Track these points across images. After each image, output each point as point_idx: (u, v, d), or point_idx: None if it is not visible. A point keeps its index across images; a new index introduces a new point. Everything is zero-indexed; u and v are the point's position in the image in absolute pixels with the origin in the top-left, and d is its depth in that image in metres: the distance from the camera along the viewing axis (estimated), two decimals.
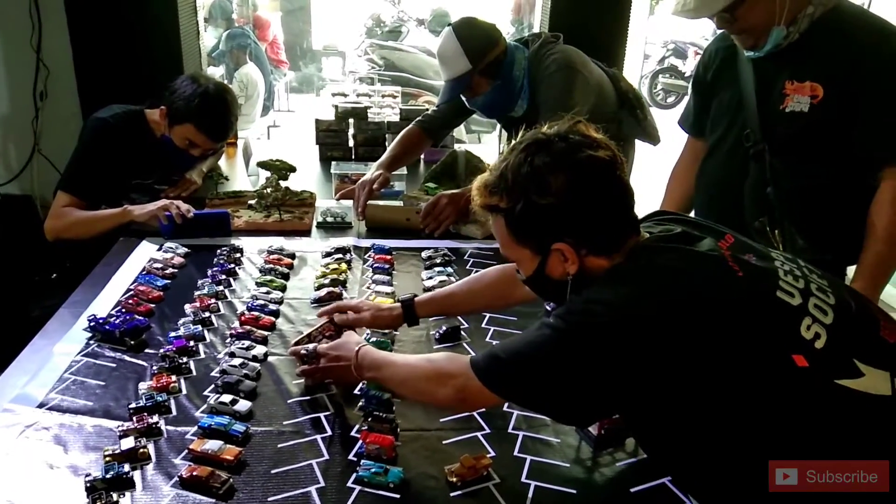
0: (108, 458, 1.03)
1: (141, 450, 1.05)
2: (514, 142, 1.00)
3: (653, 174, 2.28)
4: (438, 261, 1.75)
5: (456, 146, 2.65)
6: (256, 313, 1.47)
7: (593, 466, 1.09)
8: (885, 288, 1.43)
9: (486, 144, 4.10)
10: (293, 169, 2.07)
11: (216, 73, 4.69)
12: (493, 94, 1.97)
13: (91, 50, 2.55)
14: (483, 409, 1.19)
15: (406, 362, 1.13)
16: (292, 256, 1.78)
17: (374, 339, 1.36)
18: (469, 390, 0.99)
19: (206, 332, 1.41)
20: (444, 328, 1.43)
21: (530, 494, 1.02)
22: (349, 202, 2.07)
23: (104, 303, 1.51)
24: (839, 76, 1.37)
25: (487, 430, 1.15)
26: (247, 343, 1.35)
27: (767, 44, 1.41)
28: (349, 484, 1.02)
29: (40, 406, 1.16)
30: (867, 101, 1.36)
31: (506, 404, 1.20)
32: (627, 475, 1.07)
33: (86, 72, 2.58)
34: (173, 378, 1.24)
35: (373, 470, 1.03)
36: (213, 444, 1.06)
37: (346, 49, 7.32)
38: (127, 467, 1.01)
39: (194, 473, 1.00)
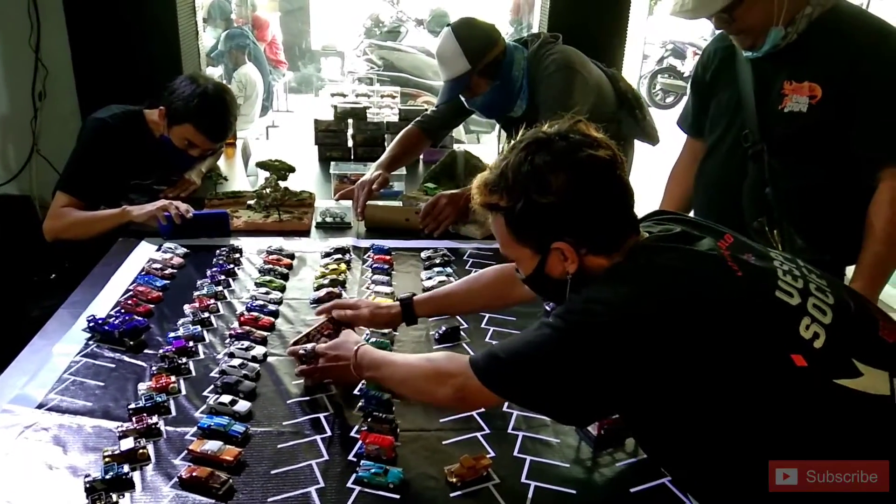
0: (107, 459, 1.03)
1: (140, 450, 1.05)
2: (514, 141, 1.00)
3: (652, 174, 2.28)
4: (438, 261, 1.75)
5: (455, 146, 2.65)
6: (256, 314, 1.47)
7: (593, 467, 1.09)
8: (884, 288, 1.43)
9: (485, 145, 4.11)
10: (292, 169, 2.07)
11: (215, 73, 4.69)
12: (493, 95, 1.97)
13: (90, 50, 2.55)
14: (483, 410, 1.19)
15: (405, 361, 1.13)
16: (291, 257, 1.78)
17: (373, 339, 1.36)
18: (468, 390, 0.99)
19: (205, 332, 1.41)
20: (443, 328, 1.43)
21: (530, 495, 1.02)
22: (348, 202, 2.07)
23: (103, 303, 1.50)
24: (837, 76, 1.37)
25: (487, 431, 1.15)
26: (246, 343, 1.35)
27: (766, 44, 1.42)
28: (349, 484, 1.02)
29: (39, 407, 1.16)
30: (865, 102, 1.36)
31: (505, 404, 1.20)
32: (627, 475, 1.07)
33: (84, 72, 2.58)
34: (173, 379, 1.24)
35: (372, 470, 1.03)
36: (212, 445, 1.06)
37: (344, 49, 7.33)
38: (126, 468, 1.01)
39: (194, 474, 1.00)
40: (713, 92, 1.66)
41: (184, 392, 1.22)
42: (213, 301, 1.52)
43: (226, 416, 1.14)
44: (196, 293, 1.55)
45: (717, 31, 1.56)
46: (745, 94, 1.53)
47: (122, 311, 1.45)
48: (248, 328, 1.41)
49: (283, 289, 1.62)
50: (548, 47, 1.99)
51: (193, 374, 1.28)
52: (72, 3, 2.50)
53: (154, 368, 1.27)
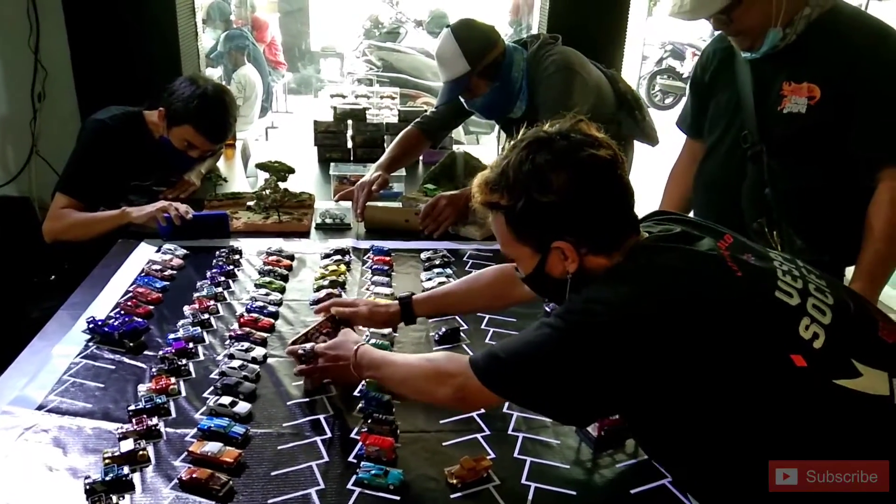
0: (107, 461, 1.03)
1: (140, 452, 1.05)
2: (514, 140, 1.00)
3: (651, 175, 2.28)
4: (437, 262, 1.75)
5: (454, 147, 2.66)
6: (255, 315, 1.47)
7: (593, 468, 1.09)
8: (883, 288, 1.43)
9: (485, 146, 4.11)
10: (292, 170, 2.07)
11: (214, 74, 4.70)
12: (492, 96, 1.97)
13: (89, 51, 2.55)
14: (483, 411, 1.19)
15: (405, 361, 1.13)
16: (291, 258, 1.78)
17: (373, 341, 1.36)
18: (468, 390, 0.99)
19: (205, 334, 1.41)
20: (443, 330, 1.43)
21: (530, 496, 1.02)
22: (348, 203, 2.07)
23: (103, 304, 1.50)
24: (836, 78, 1.37)
25: (487, 432, 1.15)
26: (246, 345, 1.35)
27: (764, 45, 1.42)
28: (349, 486, 1.02)
29: (39, 408, 1.16)
30: (864, 103, 1.36)
31: (505, 405, 1.20)
32: (627, 476, 1.07)
33: (84, 73, 2.58)
34: (172, 380, 1.24)
35: (373, 472, 1.03)
36: (212, 447, 1.06)
37: (344, 50, 7.33)
38: (126, 469, 1.01)
39: (194, 476, 1.00)
40: (712, 93, 1.66)
41: (184, 393, 1.22)
42: (212, 302, 1.52)
43: (226, 418, 1.14)
44: (196, 294, 1.55)
45: (716, 32, 1.57)
46: (744, 95, 1.53)
47: (122, 312, 1.45)
48: (247, 329, 1.41)
49: (282, 290, 1.62)
50: (547, 48, 1.99)
51: (193, 375, 1.28)
52: (71, 5, 2.50)
53: (154, 370, 1.27)
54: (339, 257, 1.77)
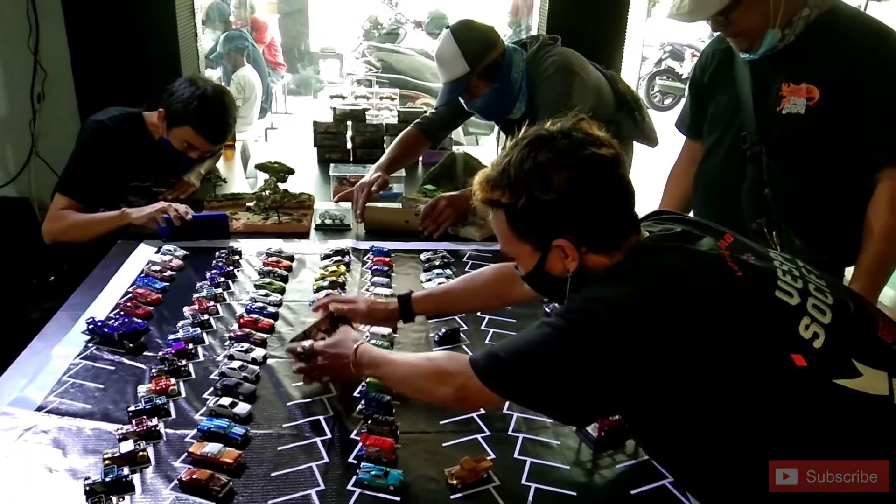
0: (107, 462, 1.03)
1: (140, 453, 1.05)
2: (516, 138, 1.00)
3: (651, 176, 2.28)
4: (437, 263, 1.76)
5: (454, 148, 2.66)
6: (255, 315, 1.47)
7: (593, 468, 1.09)
8: (883, 288, 1.44)
9: (485, 146, 4.11)
10: (291, 171, 2.07)
11: (214, 75, 4.70)
12: (492, 97, 1.97)
13: (88, 52, 2.55)
14: (483, 412, 1.19)
15: (405, 360, 1.13)
16: (291, 259, 1.78)
17: (373, 341, 1.36)
18: (469, 389, 0.99)
19: (204, 334, 1.41)
20: (443, 330, 1.43)
21: (530, 497, 1.02)
22: (348, 204, 2.07)
23: (102, 305, 1.50)
24: (835, 78, 1.38)
25: (487, 433, 1.15)
26: (246, 346, 1.35)
27: (762, 46, 1.42)
28: (349, 487, 1.02)
29: (39, 409, 1.16)
30: (863, 104, 1.36)
31: (506, 406, 1.20)
32: (627, 477, 1.07)
33: (83, 74, 2.58)
34: (172, 381, 1.24)
35: (373, 472, 1.03)
36: (212, 447, 1.06)
37: (343, 51, 7.33)
38: (126, 470, 1.01)
39: (194, 476, 1.00)
40: (711, 94, 1.66)
41: (183, 394, 1.22)
42: (212, 303, 1.52)
43: (226, 419, 1.14)
44: (195, 295, 1.55)
45: (715, 34, 1.57)
46: (743, 95, 1.53)
47: (122, 313, 1.44)
48: (247, 330, 1.41)
49: (282, 291, 1.62)
50: (547, 49, 1.99)
51: (193, 376, 1.28)
52: (71, 6, 2.51)
53: (154, 371, 1.27)
54: (338, 258, 1.77)
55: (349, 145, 2.67)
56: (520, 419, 1.18)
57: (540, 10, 2.87)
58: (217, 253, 1.77)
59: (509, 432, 1.15)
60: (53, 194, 1.93)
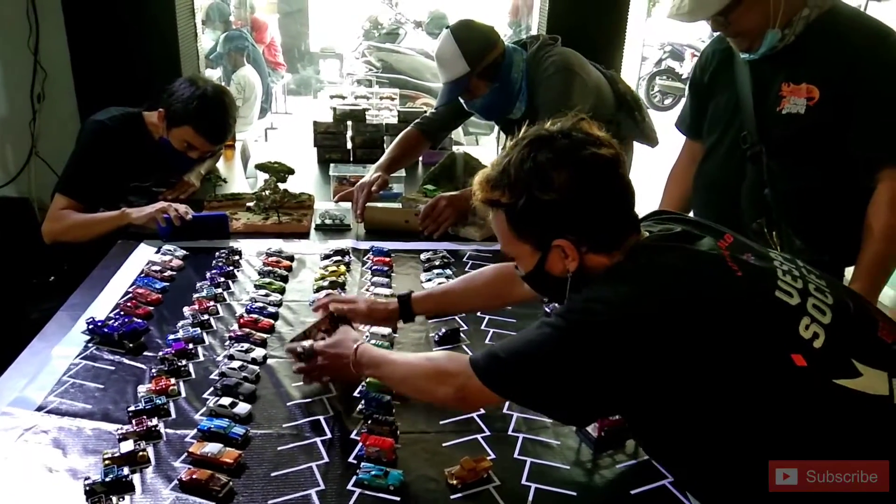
0: (107, 462, 1.03)
1: (140, 453, 1.05)
2: (516, 138, 1.00)
3: (651, 176, 2.28)
4: (437, 263, 1.76)
5: (454, 148, 2.66)
6: (255, 316, 1.47)
7: (593, 468, 1.09)
8: (882, 289, 1.44)
9: (484, 146, 4.11)
10: (291, 171, 2.07)
11: (214, 75, 4.70)
12: (492, 97, 1.97)
13: (88, 52, 2.55)
14: (483, 412, 1.19)
15: (405, 360, 1.12)
16: (291, 259, 1.78)
17: (373, 341, 1.36)
18: (469, 389, 0.99)
19: (204, 334, 1.41)
20: (443, 331, 1.43)
21: (530, 497, 1.02)
22: (348, 204, 2.07)
23: (102, 305, 1.50)
24: (835, 78, 1.38)
25: (487, 433, 1.15)
26: (246, 346, 1.35)
27: (762, 47, 1.42)
28: (349, 487, 1.02)
29: (39, 409, 1.16)
30: (863, 104, 1.36)
31: (505, 406, 1.20)
32: (627, 477, 1.07)
33: (83, 74, 2.58)
34: (172, 381, 1.24)
35: (373, 472, 1.03)
36: (212, 447, 1.06)
37: (343, 51, 7.33)
38: (126, 470, 1.01)
39: (194, 476, 1.00)
40: (711, 94, 1.66)
41: (183, 394, 1.22)
42: (212, 303, 1.52)
43: (226, 419, 1.14)
44: (195, 295, 1.55)
45: (715, 34, 1.57)
46: (743, 95, 1.53)
47: (122, 313, 1.44)
48: (247, 330, 1.41)
49: (282, 291, 1.62)
50: (547, 49, 1.99)
51: (193, 376, 1.28)
52: (71, 6, 2.50)
53: (154, 371, 1.27)
54: (338, 258, 1.77)
55: (349, 145, 2.67)
56: (520, 419, 1.18)
57: (540, 10, 2.87)
58: (217, 253, 1.77)
59: (509, 432, 1.15)
60: (53, 194, 1.93)
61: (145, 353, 1.34)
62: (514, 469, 1.07)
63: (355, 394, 1.23)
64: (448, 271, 1.70)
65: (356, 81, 5.03)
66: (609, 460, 1.11)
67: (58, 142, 2.61)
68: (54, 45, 2.63)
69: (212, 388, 1.23)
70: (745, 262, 0.94)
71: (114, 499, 0.97)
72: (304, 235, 1.95)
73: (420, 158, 2.56)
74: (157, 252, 1.76)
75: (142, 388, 1.22)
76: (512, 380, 0.95)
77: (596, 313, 0.89)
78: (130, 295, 1.54)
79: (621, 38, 2.75)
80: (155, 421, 1.12)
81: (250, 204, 2.06)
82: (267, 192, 2.04)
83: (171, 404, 1.19)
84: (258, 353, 1.33)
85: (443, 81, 1.98)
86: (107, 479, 0.99)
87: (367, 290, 1.63)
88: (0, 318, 1.96)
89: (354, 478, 1.03)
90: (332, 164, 2.43)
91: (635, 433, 1.07)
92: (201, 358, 1.34)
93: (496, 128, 2.36)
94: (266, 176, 2.07)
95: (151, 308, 1.50)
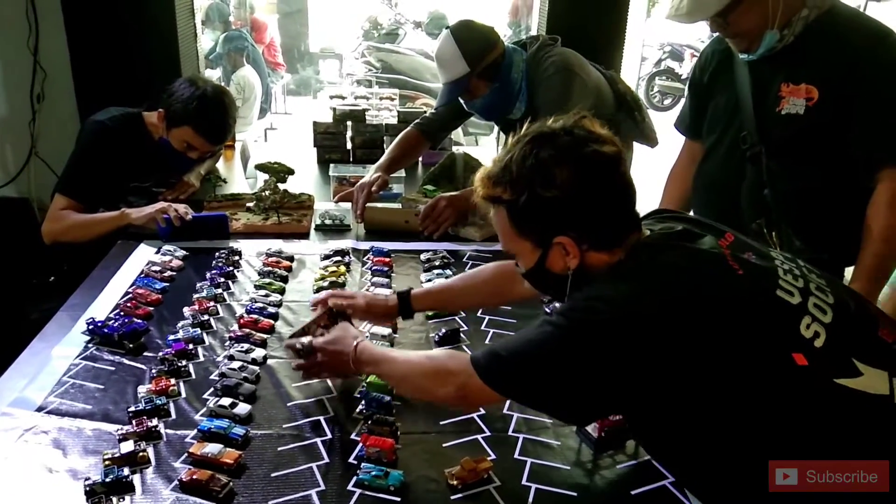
0: (107, 462, 1.03)
1: (140, 453, 1.05)
2: (518, 135, 1.00)
3: (650, 176, 2.28)
4: (437, 263, 1.76)
5: (454, 148, 2.66)
6: (255, 316, 1.47)
7: (594, 469, 1.09)
8: (882, 289, 1.44)
9: (484, 147, 4.10)
10: (291, 171, 2.07)
11: (213, 75, 4.70)
12: (492, 97, 1.97)
13: (88, 52, 2.55)
14: (483, 412, 1.19)
15: (406, 358, 1.12)
16: (291, 259, 1.78)
17: (373, 342, 1.36)
18: (470, 388, 0.99)
19: (204, 335, 1.41)
20: (443, 331, 1.43)
21: (531, 497, 1.02)
22: (348, 205, 2.07)
23: (102, 306, 1.50)
24: (834, 79, 1.38)
25: (488, 433, 1.15)
26: (246, 346, 1.35)
27: (760, 47, 1.42)
28: (349, 487, 1.02)
29: (39, 409, 1.16)
30: (863, 104, 1.37)
31: (506, 406, 1.20)
32: (628, 477, 1.07)
33: (83, 74, 2.58)
34: (172, 381, 1.24)
35: (373, 473, 1.03)
36: (212, 448, 1.06)
37: (343, 52, 7.33)
38: (126, 471, 1.01)
39: (194, 477, 1.00)
40: (711, 94, 1.66)
41: (184, 395, 1.22)
42: (212, 303, 1.52)
43: (226, 419, 1.14)
44: (195, 296, 1.55)
45: (715, 34, 1.57)
46: (742, 96, 1.53)
47: (122, 313, 1.44)
48: (247, 331, 1.41)
49: (282, 291, 1.62)
50: (546, 49, 1.99)
51: (193, 376, 1.28)
52: (70, 6, 2.50)
53: (154, 371, 1.27)
54: (338, 258, 1.77)
55: (349, 145, 2.68)
56: (520, 419, 1.18)
57: (540, 11, 2.87)
58: (217, 253, 1.77)
59: (509, 433, 1.15)
60: (53, 195, 1.93)
61: (145, 354, 1.34)
62: (514, 469, 1.07)
63: (355, 394, 1.23)
64: (448, 272, 1.70)
65: (356, 82, 5.03)
66: (609, 461, 1.11)
67: (57, 142, 2.61)
68: (54, 46, 2.62)
69: (212, 389, 1.23)
70: (746, 260, 0.94)
71: (114, 499, 0.97)
72: (304, 236, 1.95)
73: (420, 159, 2.56)
74: (157, 252, 1.76)
75: (142, 389, 1.22)
76: (513, 379, 0.95)
77: (598, 312, 0.89)
78: (130, 295, 1.54)
79: (621, 39, 2.75)
80: (155, 421, 1.12)
81: (250, 204, 2.06)
82: (267, 193, 2.04)
83: (172, 405, 1.18)
84: (258, 353, 1.33)
85: (442, 82, 1.98)
86: (107, 480, 0.99)
87: (367, 290, 1.62)
88: (0, 318, 1.96)
89: (355, 478, 1.03)
90: (331, 165, 2.43)
91: (636, 432, 1.07)
92: (201, 358, 1.34)
93: (496, 128, 2.37)
94: (266, 176, 2.07)
95: (151, 308, 1.50)
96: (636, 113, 2.13)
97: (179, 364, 1.28)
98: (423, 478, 1.05)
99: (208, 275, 1.66)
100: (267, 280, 1.64)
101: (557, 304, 1.31)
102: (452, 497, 1.01)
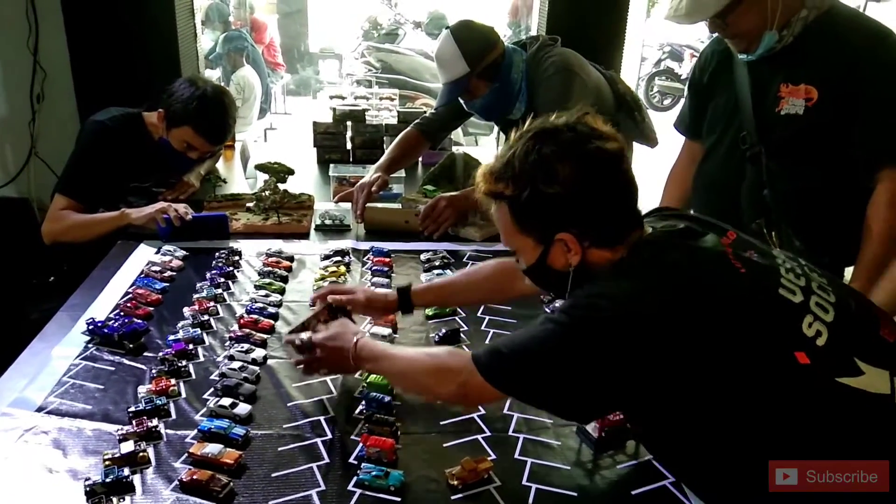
0: (107, 462, 1.03)
1: (140, 453, 1.05)
2: (520, 130, 0.99)
3: (650, 176, 2.28)
4: (437, 263, 1.76)
5: (454, 149, 2.66)
6: (255, 316, 1.47)
7: (594, 469, 1.09)
8: None
9: (484, 147, 4.11)
10: (291, 171, 2.07)
11: (213, 75, 4.70)
12: (491, 97, 1.97)
13: (88, 52, 2.55)
14: (483, 412, 1.19)
15: (406, 355, 1.11)
16: (291, 259, 1.78)
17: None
18: (471, 386, 0.98)
19: (204, 335, 1.41)
20: (443, 331, 1.43)
21: (531, 497, 1.02)
22: (348, 205, 2.07)
23: (102, 306, 1.50)
24: (834, 79, 1.38)
25: (488, 433, 1.15)
26: (246, 346, 1.35)
27: (759, 48, 1.42)
28: (350, 487, 1.02)
29: (39, 410, 1.16)
30: (862, 105, 1.37)
31: (506, 406, 1.20)
32: (628, 477, 1.07)
33: (83, 74, 2.58)
34: (172, 381, 1.24)
35: (373, 473, 1.03)
36: (213, 448, 1.06)
37: (342, 52, 7.33)
38: (127, 471, 1.01)
39: (194, 477, 1.00)
40: (710, 94, 1.66)
41: (184, 395, 1.22)
42: (212, 304, 1.52)
43: (226, 419, 1.14)
44: (195, 296, 1.55)
45: (714, 34, 1.57)
46: (742, 96, 1.53)
47: (122, 313, 1.44)
48: (247, 331, 1.41)
49: (282, 291, 1.62)
50: (546, 50, 1.99)
51: (193, 376, 1.28)
52: (70, 6, 2.50)
53: (154, 371, 1.27)
54: (338, 258, 1.77)
55: (349, 146, 2.68)
56: (520, 419, 1.18)
57: (540, 11, 2.87)
58: (217, 253, 1.77)
59: (510, 433, 1.15)
60: (53, 195, 1.93)
61: (145, 354, 1.34)
62: (514, 469, 1.07)
63: (356, 394, 1.23)
64: (448, 272, 1.70)
65: (355, 82, 5.04)
66: (609, 461, 1.11)
67: (57, 142, 2.61)
68: (54, 46, 2.62)
69: (212, 389, 1.23)
70: (749, 259, 0.94)
71: (114, 499, 0.97)
72: (304, 236, 1.95)
73: (420, 159, 2.56)
74: (157, 252, 1.76)
75: (142, 389, 1.22)
76: (515, 376, 0.95)
77: (600, 309, 0.89)
78: (130, 295, 1.54)
79: (621, 39, 2.75)
80: (155, 421, 1.12)
81: (250, 204, 2.06)
82: (267, 193, 2.04)
83: (172, 405, 1.18)
84: (258, 353, 1.33)
85: (442, 82, 1.98)
86: (107, 480, 0.99)
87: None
88: (0, 318, 1.96)
89: (355, 478, 1.03)
90: (331, 165, 2.42)
91: (637, 430, 1.07)
92: (201, 358, 1.34)
93: (496, 128, 2.37)
94: (266, 176, 2.07)
95: (151, 308, 1.50)
96: (636, 113, 2.13)
97: (179, 364, 1.28)
98: (424, 478, 1.05)
99: (208, 275, 1.66)
100: (267, 280, 1.64)
101: (558, 304, 1.31)
102: (453, 497, 1.01)
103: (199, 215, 1.88)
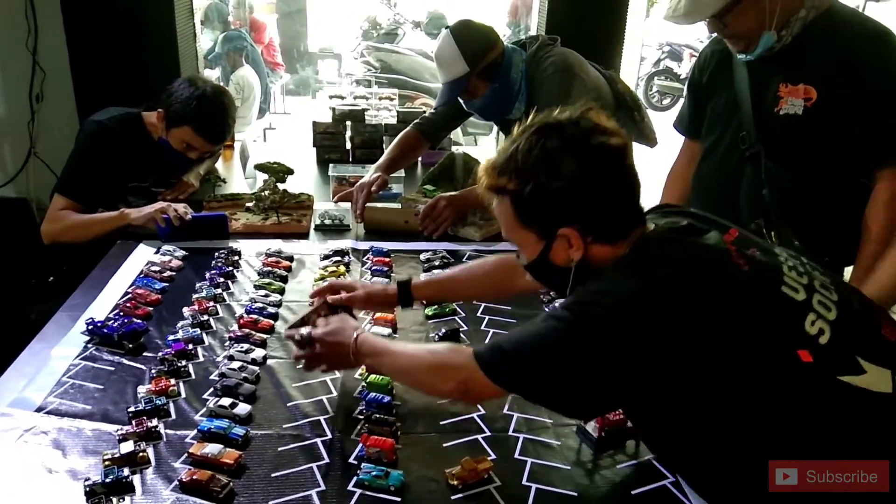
0: (107, 462, 1.03)
1: (140, 454, 1.05)
2: (524, 125, 0.99)
3: (650, 176, 2.28)
4: (437, 263, 1.76)
5: (453, 148, 2.66)
6: (255, 316, 1.47)
7: (594, 469, 1.09)
8: None
9: (484, 147, 4.11)
10: (291, 171, 2.07)
11: (212, 75, 4.69)
12: (491, 97, 1.97)
13: (87, 52, 2.54)
14: (483, 412, 1.19)
15: (406, 351, 1.11)
16: (290, 259, 1.78)
17: None
18: (472, 383, 0.98)
19: (204, 335, 1.41)
20: (443, 331, 1.43)
21: (531, 497, 1.02)
22: (347, 204, 2.07)
23: (102, 306, 1.50)
24: (833, 79, 1.38)
25: (488, 433, 1.15)
26: (245, 346, 1.35)
27: (758, 48, 1.42)
28: (350, 487, 1.02)
29: (38, 410, 1.16)
30: (861, 104, 1.37)
31: (506, 406, 1.20)
32: (628, 477, 1.07)
33: (82, 74, 2.57)
34: (172, 381, 1.24)
35: (373, 473, 1.03)
36: (212, 448, 1.06)
37: (342, 51, 7.33)
38: (126, 471, 1.01)
39: (194, 477, 1.00)
40: (710, 94, 1.66)
41: (183, 395, 1.22)
42: (212, 304, 1.52)
43: (226, 419, 1.14)
44: (195, 296, 1.55)
45: (713, 34, 1.57)
46: (741, 96, 1.53)
47: (121, 313, 1.44)
48: (247, 331, 1.41)
49: (282, 291, 1.62)
50: (546, 49, 1.99)
51: (193, 376, 1.27)
52: (69, 6, 2.50)
53: (153, 371, 1.27)
54: (338, 258, 1.77)
55: (348, 145, 2.68)
56: (520, 419, 1.18)
57: (539, 10, 2.87)
58: (216, 253, 1.77)
59: (510, 432, 1.15)
60: (52, 195, 1.93)
61: (145, 354, 1.34)
62: (514, 469, 1.07)
63: (355, 394, 1.23)
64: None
65: (355, 82, 5.04)
66: (609, 460, 1.11)
67: (56, 142, 2.61)
68: (53, 46, 2.62)
69: (212, 389, 1.23)
70: (752, 256, 0.94)
71: (114, 500, 0.97)
72: (304, 236, 1.95)
73: (419, 159, 2.56)
74: (157, 252, 1.76)
75: (142, 389, 1.22)
76: (517, 373, 0.94)
77: (602, 306, 0.89)
78: (130, 295, 1.54)
79: (620, 39, 2.75)
80: (155, 422, 1.12)
81: (250, 204, 2.06)
82: (266, 193, 2.04)
83: (171, 405, 1.18)
84: (258, 353, 1.33)
85: (442, 82, 1.98)
86: (107, 480, 0.99)
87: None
88: (0, 318, 1.95)
89: (355, 478, 1.03)
90: (331, 165, 2.43)
91: (638, 428, 1.07)
92: (201, 358, 1.33)
93: (495, 128, 2.37)
94: (265, 176, 2.07)
95: (151, 308, 1.50)
96: (635, 113, 2.13)
97: (179, 364, 1.28)
98: (424, 478, 1.05)
99: (208, 275, 1.66)
100: (266, 280, 1.64)
101: (558, 303, 1.31)
102: (453, 497, 1.01)
103: (198, 215, 1.88)
